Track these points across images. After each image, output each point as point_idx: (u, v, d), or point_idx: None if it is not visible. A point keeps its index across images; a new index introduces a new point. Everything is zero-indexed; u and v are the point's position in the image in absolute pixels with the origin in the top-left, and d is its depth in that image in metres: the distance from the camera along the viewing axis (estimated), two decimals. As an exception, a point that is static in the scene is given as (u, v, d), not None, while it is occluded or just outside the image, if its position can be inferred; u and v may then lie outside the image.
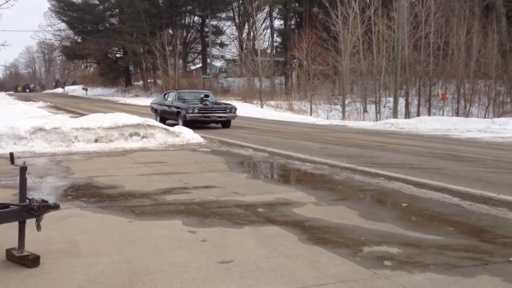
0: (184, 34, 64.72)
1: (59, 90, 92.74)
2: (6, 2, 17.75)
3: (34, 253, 3.97)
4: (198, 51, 70.15)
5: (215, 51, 64.38)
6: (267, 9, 55.41)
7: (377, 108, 34.62)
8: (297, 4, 57.89)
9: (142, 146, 11.96)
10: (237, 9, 64.51)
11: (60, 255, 4.22)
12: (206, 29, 63.27)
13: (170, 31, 59.79)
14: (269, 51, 55.86)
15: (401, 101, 32.20)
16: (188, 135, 12.98)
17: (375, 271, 3.86)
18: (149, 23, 55.95)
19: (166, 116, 19.74)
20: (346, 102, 34.81)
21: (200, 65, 69.40)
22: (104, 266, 3.96)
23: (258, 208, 5.93)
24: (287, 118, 27.58)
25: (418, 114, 33.98)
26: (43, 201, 3.99)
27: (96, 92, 73.46)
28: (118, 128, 12.09)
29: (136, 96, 61.33)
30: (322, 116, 33.31)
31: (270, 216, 5.54)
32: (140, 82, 70.62)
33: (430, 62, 35.17)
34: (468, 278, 3.74)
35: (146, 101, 48.93)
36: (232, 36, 65.87)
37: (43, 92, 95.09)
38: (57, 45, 77.08)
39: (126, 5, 59.60)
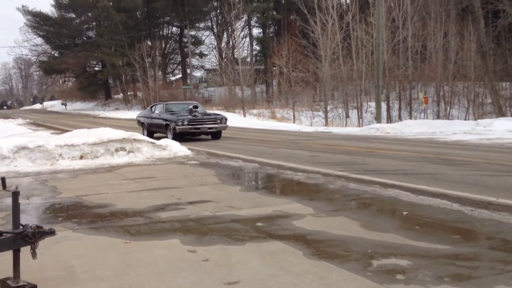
0: (163, 45, 64.39)
1: (37, 106, 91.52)
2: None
3: (30, 283, 3.76)
4: (177, 61, 69.84)
5: (194, 61, 64.21)
6: (245, 17, 55.44)
7: (359, 113, 34.71)
8: (275, 12, 58.04)
9: (128, 161, 11.73)
10: (215, 18, 64.47)
11: (56, 283, 4.01)
12: (185, 40, 63.07)
13: (149, 43, 59.48)
14: (249, 59, 55.86)
15: (383, 106, 32.33)
16: (175, 148, 12.78)
17: (389, 286, 3.73)
18: (127, 36, 55.57)
19: (154, 129, 19.31)
20: (328, 108, 34.84)
21: (180, 75, 69.09)
22: (105, 293, 3.77)
23: (257, 222, 5.77)
24: (271, 127, 27.48)
25: (400, 118, 34.18)
26: (38, 227, 3.78)
27: (75, 106, 72.68)
28: (103, 143, 11.84)
29: (117, 109, 60.78)
30: (305, 123, 33.29)
31: (270, 231, 5.38)
32: (120, 95, 70.02)
33: (409, 66, 35.41)
34: (485, 290, 3.63)
35: (127, 114, 48.59)
36: (211, 45, 65.81)
37: (21, 108, 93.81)
38: (34, 60, 76.05)
39: (103, 18, 59.13)
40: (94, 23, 65.71)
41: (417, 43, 35.72)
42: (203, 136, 18.72)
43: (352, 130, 21.97)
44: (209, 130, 17.88)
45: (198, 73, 71.46)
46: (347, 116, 35.02)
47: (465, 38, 32.66)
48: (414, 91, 35.78)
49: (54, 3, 65.77)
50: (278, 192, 7.77)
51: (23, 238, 3.68)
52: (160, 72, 59.30)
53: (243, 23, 57.64)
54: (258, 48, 60.71)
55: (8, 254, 3.75)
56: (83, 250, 4.94)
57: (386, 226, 5.46)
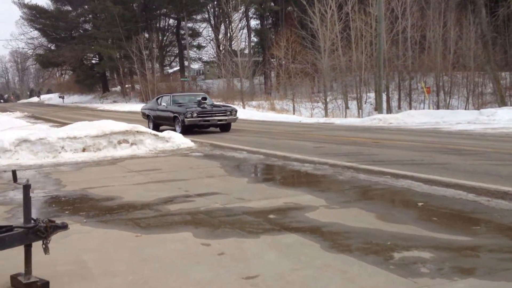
0: (160, 37, 64.05)
1: (34, 99, 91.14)
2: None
3: (42, 279, 3.62)
4: (175, 54, 69.50)
5: (192, 53, 63.87)
6: (243, 9, 55.08)
7: (359, 104, 34.57)
8: (272, 4, 57.68)
9: (131, 154, 11.58)
10: (212, 10, 64.12)
11: (69, 279, 3.88)
12: (182, 32, 62.69)
13: (146, 35, 59.14)
14: (247, 51, 55.56)
15: (383, 96, 32.18)
16: (178, 140, 12.62)
17: (414, 280, 3.60)
18: (124, 28, 55.19)
19: (160, 122, 18.92)
20: (328, 99, 34.68)
21: (177, 68, 68.78)
22: (121, 289, 3.64)
23: (269, 214, 5.64)
24: (272, 118, 27.31)
25: (399, 108, 34.07)
26: (50, 221, 3.64)
27: (73, 99, 72.41)
28: (106, 136, 11.68)
29: (115, 102, 60.51)
30: (305, 114, 33.13)
31: (284, 223, 5.25)
32: (118, 88, 69.76)
33: (408, 56, 35.25)
34: (515, 283, 3.51)
35: (125, 106, 48.40)
36: (208, 37, 65.48)
37: (18, 102, 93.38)
38: (30, 53, 75.67)
39: (100, 10, 58.70)
40: (90, 16, 65.29)
41: (416, 33, 35.54)
42: (204, 128, 18.27)
43: (354, 120, 21.82)
44: (219, 122, 17.34)
45: (196, 65, 71.21)
46: (347, 107, 34.88)
47: (464, 28, 32.50)
48: (414, 82, 35.65)
49: (50, -5, 65.44)
50: (287, 183, 7.63)
51: (35, 232, 3.54)
52: (158, 65, 58.95)
53: (241, 14, 57.34)
54: (255, 39, 60.43)
55: (18, 249, 3.62)
56: (93, 244, 4.81)
57: (403, 217, 5.33)
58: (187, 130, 16.46)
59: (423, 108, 30.97)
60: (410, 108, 32.46)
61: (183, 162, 10.29)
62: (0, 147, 10.54)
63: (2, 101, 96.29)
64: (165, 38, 66.67)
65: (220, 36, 57.50)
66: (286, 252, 4.34)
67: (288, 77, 39.35)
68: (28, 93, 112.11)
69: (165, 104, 18.56)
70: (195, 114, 16.75)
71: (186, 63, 61.76)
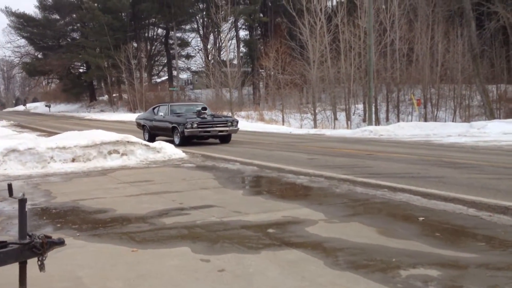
0: (149, 46, 63.85)
1: (20, 107, 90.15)
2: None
3: (37, 298, 3.44)
4: (163, 63, 69.27)
5: (180, 63, 63.75)
6: (232, 19, 55.15)
7: (348, 115, 34.62)
8: (261, 15, 57.81)
9: (122, 164, 11.38)
10: (201, 20, 64.11)
11: (65, 297, 3.71)
12: (171, 41, 62.58)
13: (135, 44, 58.92)
14: (235, 61, 55.54)
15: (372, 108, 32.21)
16: (170, 151, 12.45)
17: (425, 299, 3.48)
18: (113, 37, 54.92)
19: (157, 133, 18.32)
20: (317, 110, 34.68)
21: (166, 77, 68.55)
22: (120, 309, 3.48)
23: (268, 228, 5.51)
24: (261, 129, 27.20)
25: (388, 120, 34.16)
26: (46, 236, 3.47)
27: (59, 108, 71.80)
28: (96, 146, 11.48)
29: (102, 111, 60.10)
30: (294, 125, 33.08)
31: (284, 238, 5.12)
32: (105, 97, 69.33)
33: (396, 69, 35.45)
34: (530, 303, 3.41)
35: (113, 116, 48.06)
36: (197, 47, 65.41)
37: (3, 110, 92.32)
38: (17, 61, 74.99)
39: (89, 19, 58.38)
40: (78, 25, 64.89)
41: (404, 46, 35.79)
42: (204, 140, 17.64)
43: (344, 132, 21.78)
44: (219, 133, 16.77)
45: (184, 75, 71.03)
46: (336, 118, 34.91)
47: (452, 41, 32.78)
48: (402, 94, 35.81)
49: (38, 4, 65.10)
50: (283, 196, 7.49)
51: (31, 249, 3.36)
52: (146, 74, 58.69)
53: (230, 25, 57.42)
54: (244, 50, 60.46)
55: (11, 266, 3.44)
56: (88, 259, 4.64)
57: (405, 233, 5.22)
58: (186, 141, 16.07)
59: (411, 120, 31.10)
60: (398, 120, 32.55)
61: (176, 173, 10.13)
62: (-13, 156, 10.31)
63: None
64: (153, 48, 66.45)
65: (209, 46, 57.43)
66: (289, 269, 4.21)
67: (277, 88, 39.33)
68: (14, 101, 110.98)
69: (162, 114, 17.92)
70: (195, 125, 16.21)
71: (174, 72, 61.64)
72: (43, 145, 11.07)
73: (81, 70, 69.33)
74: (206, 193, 7.75)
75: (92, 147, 11.44)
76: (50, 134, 20.54)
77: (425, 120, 31.12)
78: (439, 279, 3.87)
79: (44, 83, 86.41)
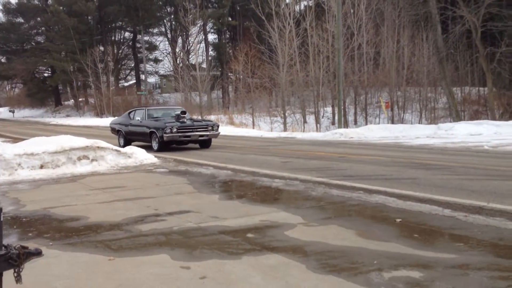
0: (115, 50, 63.06)
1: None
2: None
3: (13, 311, 3.30)
4: (130, 67, 68.52)
5: (148, 67, 63.12)
6: (200, 22, 54.92)
7: (317, 118, 34.83)
8: (230, 18, 57.76)
9: (92, 170, 11.15)
10: (168, 24, 63.70)
11: (42, 310, 3.57)
12: (138, 45, 61.96)
13: (101, 48, 58.14)
14: (204, 65, 55.34)
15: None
16: (141, 156, 12.27)
17: (410, 301, 3.48)
18: (79, 41, 54.06)
19: (133, 138, 17.58)
20: (286, 113, 34.77)
21: (133, 81, 67.82)
22: (101, 320, 3.37)
23: (247, 233, 5.45)
24: (232, 132, 27.05)
25: (356, 123, 34.52)
26: (23, 247, 3.33)
27: (23, 113, 70.31)
28: (65, 152, 11.21)
29: (68, 116, 59.08)
30: (264, 128, 33.09)
31: (263, 242, 5.07)
32: (71, 102, 68.20)
33: (364, 72, 35.87)
34: (513, 303, 3.44)
35: (79, 121, 47.29)
36: (165, 51, 64.91)
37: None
38: (-21, 66, 73.08)
39: (54, 22, 57.34)
40: (43, 28, 63.71)
41: (371, 50, 36.26)
42: (183, 145, 17.04)
43: (315, 135, 21.88)
44: (200, 138, 16.18)
45: (152, 79, 70.41)
46: (305, 121, 35.08)
47: (417, 45, 33.36)
48: (369, 96, 36.22)
49: (1, 7, 63.66)
50: (260, 200, 7.44)
51: (7, 260, 3.21)
52: (113, 78, 57.92)
53: (198, 28, 57.17)
54: (213, 54, 60.29)
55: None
56: (63, 269, 4.50)
57: (383, 234, 5.24)
58: (164, 147, 15.61)
59: (379, 123, 31.49)
60: (366, 123, 32.91)
61: (148, 178, 9.97)
62: (-48, 164, 9.96)
63: None
64: (120, 51, 65.69)
65: (177, 50, 57.01)
66: (272, 274, 4.16)
67: (247, 91, 39.33)
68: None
69: (139, 118, 17.22)
70: (174, 129, 15.55)
71: (142, 76, 61.03)
72: (10, 151, 10.76)
73: (46, 75, 68.08)
74: (181, 199, 7.64)
75: (61, 153, 11.17)
76: (15, 140, 20.04)
77: (392, 123, 31.54)
78: (421, 280, 3.88)
79: (7, 88, 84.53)
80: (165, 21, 63.11)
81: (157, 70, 67.11)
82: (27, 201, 7.84)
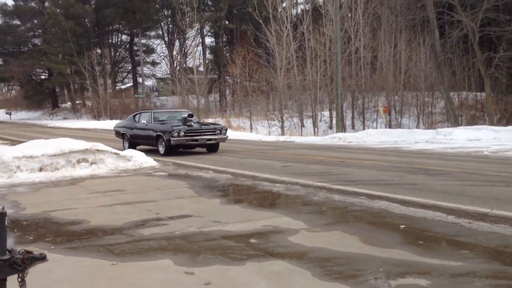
0: (113, 53, 62.95)
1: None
2: None
3: (18, 318, 3.25)
4: (127, 70, 68.42)
5: (146, 69, 63.05)
6: (197, 26, 54.90)
7: (314, 122, 34.83)
8: (227, 22, 57.78)
9: (91, 173, 11.10)
10: (166, 27, 63.64)
11: (46, 316, 3.53)
12: (135, 48, 61.85)
13: (98, 51, 58.04)
14: (201, 68, 55.31)
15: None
16: (141, 159, 12.21)
17: (419, 309, 3.45)
18: (76, 43, 53.94)
19: (138, 141, 17.18)
20: (284, 117, 34.77)
21: (130, 84, 67.69)
22: (107, 327, 3.33)
23: (250, 238, 5.42)
24: (231, 136, 26.72)
25: (353, 127, 34.54)
26: (27, 251, 3.28)
27: (20, 116, 70.12)
28: (64, 154, 11.16)
29: (65, 118, 58.90)
30: (262, 132, 33.06)
31: (267, 248, 5.03)
32: (68, 104, 68.03)
33: (361, 76, 35.91)
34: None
35: (77, 123, 47.13)
36: (162, 54, 64.88)
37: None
38: (-24, 68, 72.84)
39: (51, 25, 57.20)
40: (40, 30, 63.55)
41: (369, 54, 36.33)
42: (191, 149, 16.51)
43: (314, 139, 21.84)
44: (208, 142, 15.69)
45: (149, 82, 70.37)
46: (303, 125, 35.08)
47: (414, 49, 33.43)
48: (367, 101, 36.25)
49: (-2, 10, 63.42)
50: (261, 205, 7.40)
51: (11, 265, 3.16)
52: (110, 81, 57.80)
53: (195, 31, 57.15)
54: (210, 57, 60.25)
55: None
56: (66, 273, 4.45)
57: (388, 241, 5.21)
58: (171, 151, 15.24)
59: (376, 127, 31.50)
60: (364, 127, 32.92)
61: (148, 182, 9.92)
62: (-50, 166, 9.90)
63: None
64: (118, 54, 65.59)
65: (174, 53, 57.02)
66: (277, 281, 4.12)
67: (245, 95, 39.31)
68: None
69: (145, 121, 16.77)
70: (182, 133, 15.03)
71: (139, 79, 60.91)
72: (9, 154, 10.71)
73: (43, 77, 67.85)
74: (182, 203, 7.60)
75: (60, 156, 11.12)
76: (13, 142, 19.96)
77: (390, 127, 31.56)
78: (429, 288, 3.85)
79: (4, 90, 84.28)
80: (162, 24, 63.09)
81: (154, 73, 67.12)
82: (26, 204, 7.79)
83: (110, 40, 64.55)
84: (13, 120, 64.68)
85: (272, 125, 34.98)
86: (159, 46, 65.40)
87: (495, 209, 6.34)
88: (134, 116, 18.21)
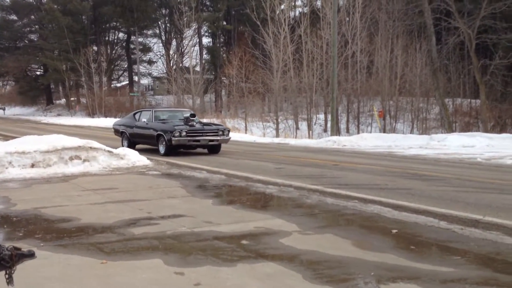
0: (109, 50, 62.78)
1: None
2: None
3: (4, 315, 3.21)
4: (123, 68, 68.21)
5: (142, 68, 62.89)
6: (195, 25, 54.85)
7: (309, 125, 34.85)
8: (225, 23, 57.77)
9: (84, 171, 11.03)
10: (163, 26, 63.55)
11: (33, 314, 3.48)
12: (132, 46, 61.71)
13: (95, 48, 57.87)
14: (197, 68, 55.25)
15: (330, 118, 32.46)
16: (134, 157, 12.15)
17: (409, 315, 3.43)
18: (72, 40, 53.75)
19: (138, 140, 16.81)
20: (279, 119, 34.76)
21: (126, 82, 67.49)
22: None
23: (241, 240, 5.39)
24: (224, 137, 27.02)
25: (348, 131, 34.59)
26: (16, 248, 3.24)
27: (14, 111, 69.72)
28: (57, 151, 11.08)
29: (59, 115, 58.60)
30: (257, 133, 33.01)
31: (258, 250, 5.01)
32: (63, 101, 67.74)
33: (357, 80, 35.97)
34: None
35: (71, 120, 46.95)
36: (159, 53, 64.73)
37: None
38: (-30, 63, 72.47)
39: (48, 21, 56.95)
40: (37, 26, 63.30)
41: (365, 58, 36.41)
42: (192, 149, 16.20)
43: (308, 142, 21.85)
44: (210, 143, 15.37)
45: (145, 81, 70.17)
46: (297, 127, 35.08)
47: (410, 55, 33.54)
48: (362, 105, 36.31)
49: (-5, 5, 63.15)
50: (254, 206, 7.38)
51: (-2, 262, 3.14)
52: (106, 78, 57.62)
53: (193, 31, 57.08)
54: (207, 57, 60.21)
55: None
56: (55, 271, 4.41)
57: (380, 245, 5.19)
58: (172, 151, 14.90)
59: (370, 131, 31.54)
60: (359, 131, 32.97)
61: (141, 181, 9.87)
62: None
63: None
64: (114, 52, 65.40)
65: (171, 52, 56.86)
66: (268, 283, 4.10)
67: (240, 96, 39.29)
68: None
69: (145, 120, 16.36)
70: (184, 133, 14.66)
71: (135, 78, 60.78)
72: (1, 149, 10.63)
73: (38, 73, 67.56)
74: (175, 202, 7.56)
75: (52, 153, 11.04)
76: (6, 137, 19.84)
77: (384, 132, 31.62)
78: (420, 294, 3.83)
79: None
80: (159, 23, 62.96)
81: (150, 71, 66.93)
82: (17, 200, 7.72)
83: (106, 38, 64.35)
84: (7, 116, 64.32)
85: (267, 126, 34.95)
86: (156, 45, 65.19)
87: (487, 216, 6.34)
88: (134, 114, 17.89)
